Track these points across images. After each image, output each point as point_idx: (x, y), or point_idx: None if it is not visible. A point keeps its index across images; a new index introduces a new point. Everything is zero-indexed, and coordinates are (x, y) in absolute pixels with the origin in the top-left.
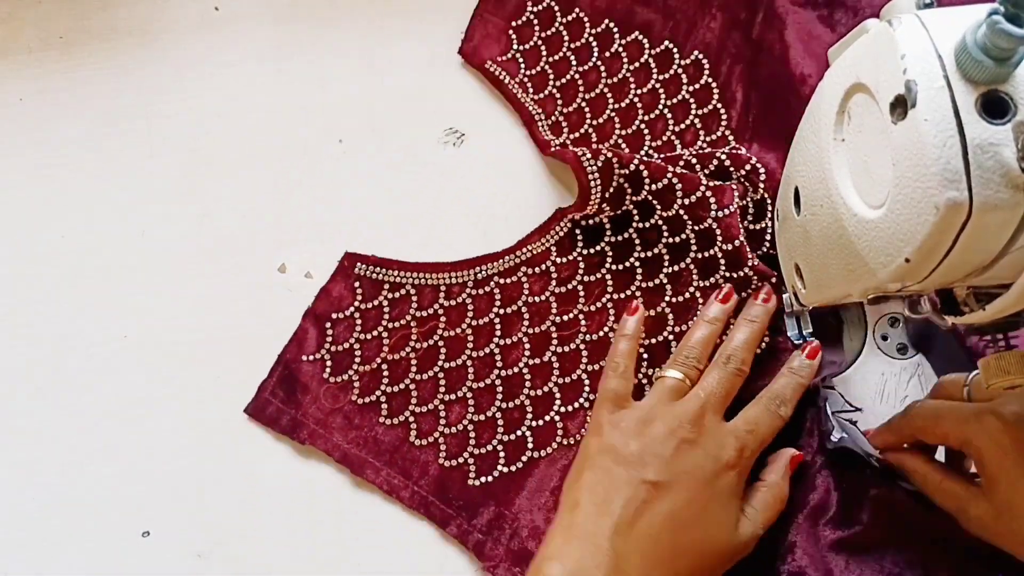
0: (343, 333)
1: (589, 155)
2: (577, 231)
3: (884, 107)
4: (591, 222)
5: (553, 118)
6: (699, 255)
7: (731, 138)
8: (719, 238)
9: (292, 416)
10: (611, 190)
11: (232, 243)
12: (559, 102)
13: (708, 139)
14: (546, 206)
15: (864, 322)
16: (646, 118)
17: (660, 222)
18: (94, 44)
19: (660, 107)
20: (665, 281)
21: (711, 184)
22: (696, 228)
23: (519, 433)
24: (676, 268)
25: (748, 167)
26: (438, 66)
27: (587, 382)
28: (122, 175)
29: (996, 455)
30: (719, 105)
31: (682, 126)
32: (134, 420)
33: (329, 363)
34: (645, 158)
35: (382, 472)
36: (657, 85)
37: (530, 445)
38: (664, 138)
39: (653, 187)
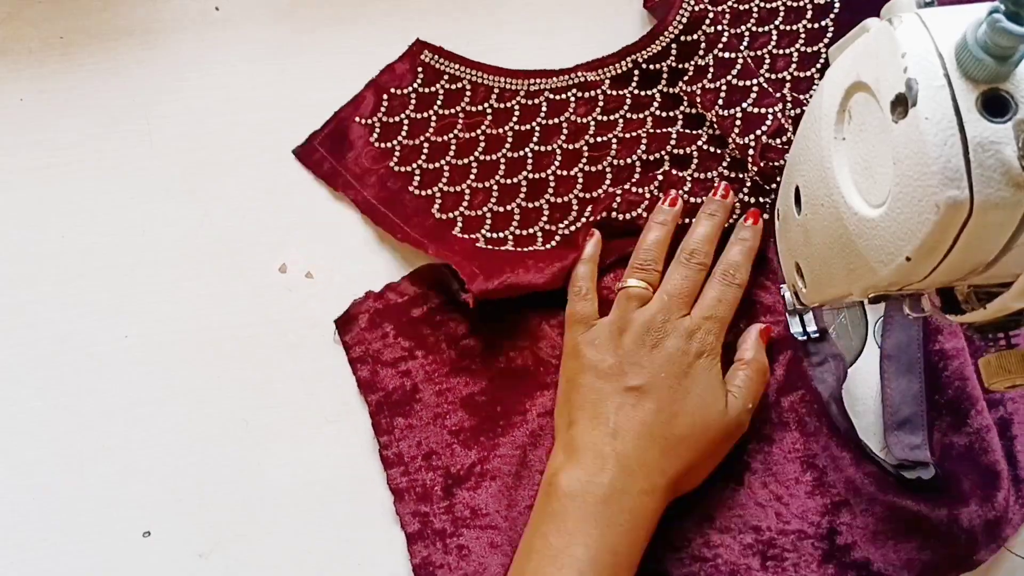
0: (397, 107)
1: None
2: (636, 72)
3: (885, 106)
4: (651, 67)
5: None
6: (738, 140)
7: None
8: (763, 130)
9: (333, 165)
10: (687, 37)
11: (232, 243)
12: None
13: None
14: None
15: (864, 322)
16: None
17: (712, 90)
18: (94, 44)
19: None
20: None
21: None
22: (744, 111)
23: (531, 231)
24: (711, 149)
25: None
26: None
27: (616, 200)
28: (122, 175)
29: None
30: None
31: (817, 24)
32: (134, 420)
33: (378, 129)
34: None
35: (399, 228)
36: None
37: (539, 243)
38: (794, 27)
39: (720, 55)
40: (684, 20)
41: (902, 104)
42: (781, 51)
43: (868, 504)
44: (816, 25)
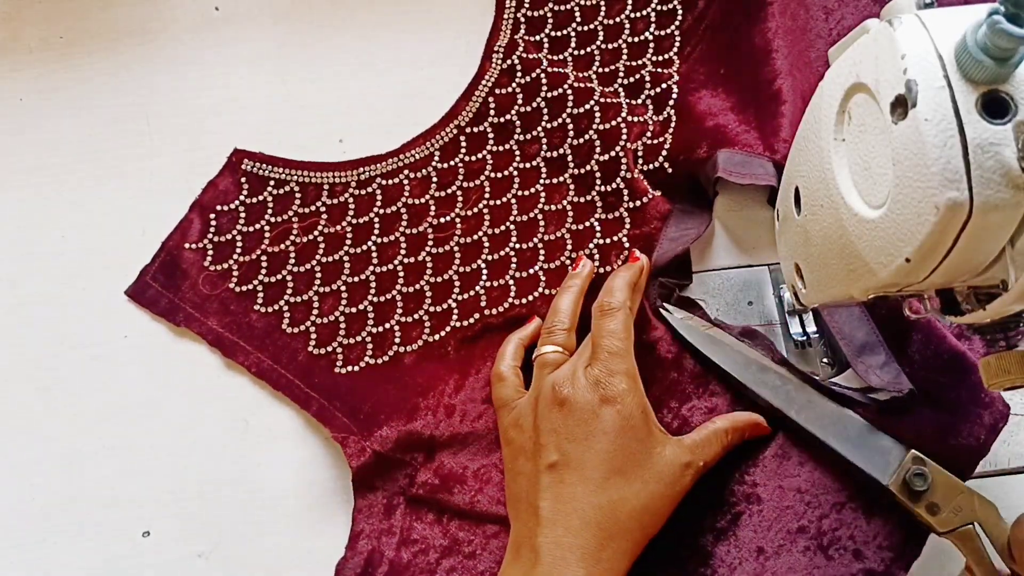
0: (226, 224)
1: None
2: (462, 138)
3: (884, 107)
4: (475, 129)
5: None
6: (576, 171)
7: (678, 40)
8: (597, 150)
9: (170, 300)
10: (501, 91)
11: None
12: None
13: (656, 33)
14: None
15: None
16: None
17: (542, 134)
18: (94, 44)
19: None
20: (541, 190)
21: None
22: (575, 143)
23: (387, 326)
24: (553, 181)
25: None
26: (438, 65)
27: (457, 283)
28: (122, 175)
29: None
30: (678, 4)
31: (639, 14)
32: (134, 420)
33: (211, 252)
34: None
35: (252, 356)
36: None
37: (398, 339)
38: (618, 19)
39: (550, 95)
40: (494, 77)
41: (902, 105)
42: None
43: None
44: (636, 62)
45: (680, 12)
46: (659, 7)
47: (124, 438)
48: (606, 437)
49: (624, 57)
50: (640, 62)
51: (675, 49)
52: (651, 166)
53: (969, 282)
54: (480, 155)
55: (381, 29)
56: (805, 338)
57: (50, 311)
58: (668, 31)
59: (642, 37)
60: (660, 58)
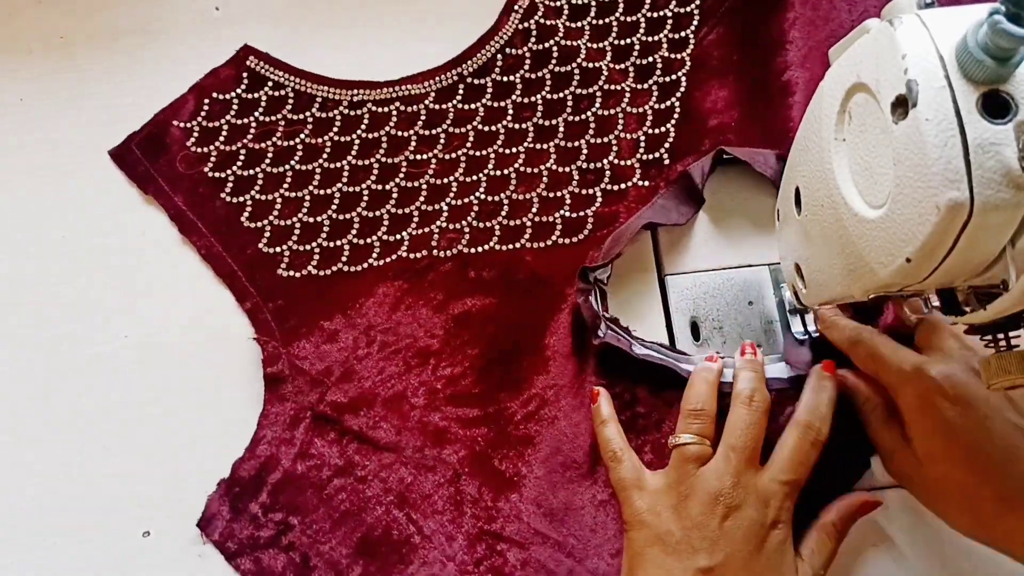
0: (218, 112)
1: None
2: (461, 85)
3: (885, 107)
4: (476, 81)
5: None
6: (563, 143)
7: (696, 19)
8: (591, 131)
9: (146, 168)
10: (513, 50)
11: None
12: None
13: (676, 10)
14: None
15: None
16: None
17: (539, 103)
18: (94, 44)
19: None
20: (522, 151)
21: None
22: (570, 119)
23: (339, 243)
24: (536, 146)
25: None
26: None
27: (416, 218)
28: (122, 175)
29: (917, 415)
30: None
31: (657, 14)
32: (134, 420)
33: (196, 134)
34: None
35: (205, 239)
36: None
37: (345, 258)
38: (636, 16)
39: (558, 70)
40: (508, 34)
41: (902, 105)
42: (618, 65)
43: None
44: (652, 38)
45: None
46: (678, 8)
47: (124, 438)
48: (766, 562)
49: (641, 31)
50: (656, 38)
51: (692, 27)
52: (651, 156)
53: (970, 282)
54: (473, 106)
55: (381, 29)
56: (806, 337)
57: (50, 311)
58: (688, 8)
59: (662, 12)
60: (677, 36)
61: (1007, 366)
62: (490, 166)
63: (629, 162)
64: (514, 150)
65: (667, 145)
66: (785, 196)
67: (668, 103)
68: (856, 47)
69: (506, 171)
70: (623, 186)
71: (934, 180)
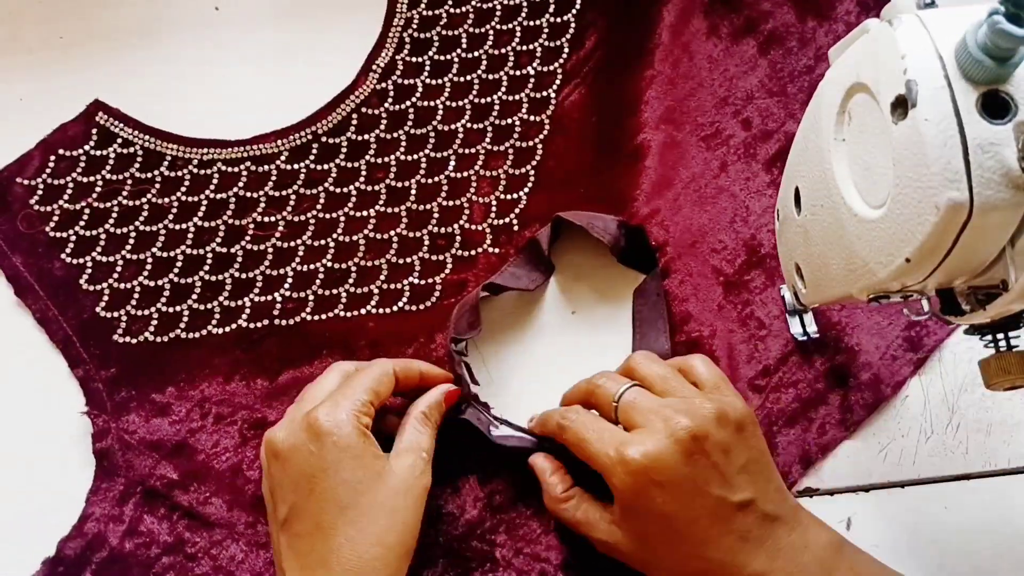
0: (64, 170)
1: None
2: (315, 145)
3: (885, 107)
4: (331, 140)
5: None
6: (415, 206)
7: (559, 79)
8: (443, 194)
9: None
10: (369, 110)
11: None
12: None
13: (539, 69)
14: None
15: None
16: (497, 26)
17: (393, 164)
18: (94, 44)
19: (516, 21)
20: (373, 215)
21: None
22: (423, 181)
23: (177, 309)
24: (388, 210)
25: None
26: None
27: (259, 283)
28: None
29: (628, 501)
30: (565, 43)
31: (525, 47)
32: None
33: (40, 192)
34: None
35: (41, 302)
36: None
37: (183, 324)
38: (504, 50)
39: (413, 132)
40: (364, 95)
41: (902, 105)
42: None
43: None
44: (513, 97)
45: (567, 50)
46: (547, 43)
47: None
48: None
49: (503, 90)
50: (517, 98)
51: (555, 86)
52: (502, 221)
53: (969, 282)
54: (326, 166)
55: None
56: (806, 337)
57: None
58: (552, 67)
59: (525, 71)
60: (538, 95)
61: (1007, 366)
62: (339, 230)
63: (480, 227)
64: (365, 213)
65: (518, 211)
66: (784, 196)
67: (523, 170)
68: (856, 47)
69: (355, 237)
70: (473, 252)
71: (934, 180)
